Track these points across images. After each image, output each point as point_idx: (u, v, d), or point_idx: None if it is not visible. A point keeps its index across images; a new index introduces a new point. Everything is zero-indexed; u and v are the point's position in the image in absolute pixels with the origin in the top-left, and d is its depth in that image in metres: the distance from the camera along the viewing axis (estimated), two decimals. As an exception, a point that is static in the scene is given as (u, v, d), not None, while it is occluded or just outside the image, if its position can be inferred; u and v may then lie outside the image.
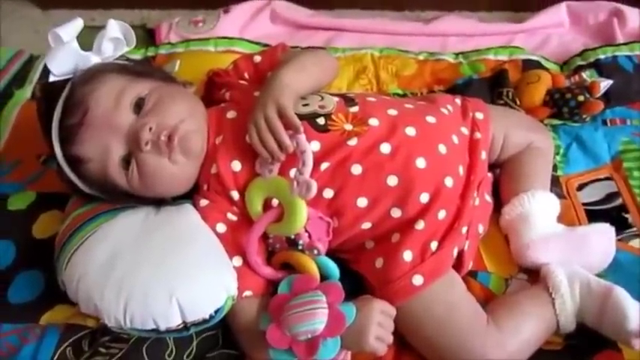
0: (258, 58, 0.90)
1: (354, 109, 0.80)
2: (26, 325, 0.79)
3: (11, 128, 1.05)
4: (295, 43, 1.14)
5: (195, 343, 0.77)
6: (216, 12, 1.28)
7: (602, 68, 1.07)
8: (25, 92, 1.10)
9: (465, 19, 1.28)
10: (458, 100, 0.89)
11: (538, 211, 0.82)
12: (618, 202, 0.89)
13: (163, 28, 1.26)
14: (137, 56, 1.16)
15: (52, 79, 0.77)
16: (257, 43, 1.17)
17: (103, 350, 0.76)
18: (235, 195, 0.78)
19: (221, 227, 0.76)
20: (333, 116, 0.79)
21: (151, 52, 1.18)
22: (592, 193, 0.91)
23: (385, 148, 0.76)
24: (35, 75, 1.13)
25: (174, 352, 0.76)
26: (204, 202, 0.78)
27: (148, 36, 1.28)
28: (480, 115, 0.87)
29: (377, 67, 1.13)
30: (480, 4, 1.36)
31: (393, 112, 0.80)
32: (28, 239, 0.88)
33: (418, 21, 1.29)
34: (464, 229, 0.78)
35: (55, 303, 0.81)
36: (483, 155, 0.84)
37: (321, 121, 0.78)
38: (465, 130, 0.84)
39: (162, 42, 1.23)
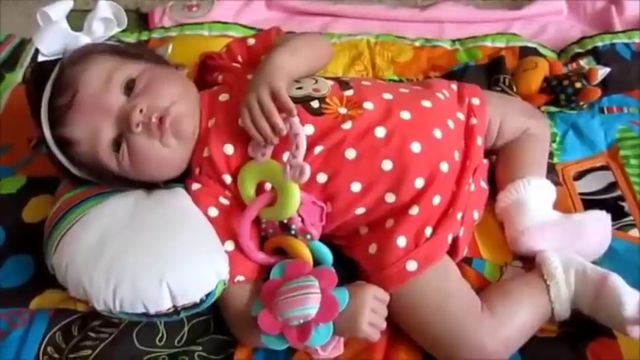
0: (251, 41, 0.88)
1: (349, 92, 0.79)
2: (15, 310, 0.78)
3: (2, 112, 1.04)
4: (291, 28, 1.13)
5: (186, 328, 0.76)
6: (211, -4, 1.27)
7: (599, 56, 1.06)
8: (16, 76, 1.10)
9: (462, 6, 1.27)
10: (454, 86, 0.88)
11: (534, 197, 0.82)
12: (618, 192, 0.89)
13: (157, 13, 1.25)
14: (130, 40, 1.15)
15: (40, 58, 0.75)
16: (252, 28, 1.16)
17: (92, 335, 0.75)
18: (228, 179, 0.77)
19: (213, 211, 0.76)
20: (327, 100, 0.78)
21: (144, 37, 1.17)
22: (592, 183, 0.91)
23: (380, 132, 0.75)
24: (26, 59, 1.13)
25: (165, 337, 0.76)
26: (196, 186, 0.77)
27: (141, 20, 1.27)
28: (476, 101, 0.86)
29: (373, 53, 1.12)
30: (478, -9, 1.35)
31: (388, 96, 0.79)
32: (17, 224, 0.88)
33: (415, 7, 1.28)
34: (459, 215, 0.77)
35: (45, 287, 0.80)
36: (479, 141, 0.83)
37: (315, 104, 0.77)
38: (460, 116, 0.84)
39: (156, 26, 1.21)
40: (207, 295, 0.71)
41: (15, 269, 0.83)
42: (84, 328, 0.76)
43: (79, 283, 0.70)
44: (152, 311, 0.70)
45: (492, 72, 1.03)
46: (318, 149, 0.75)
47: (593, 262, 0.77)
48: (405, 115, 0.77)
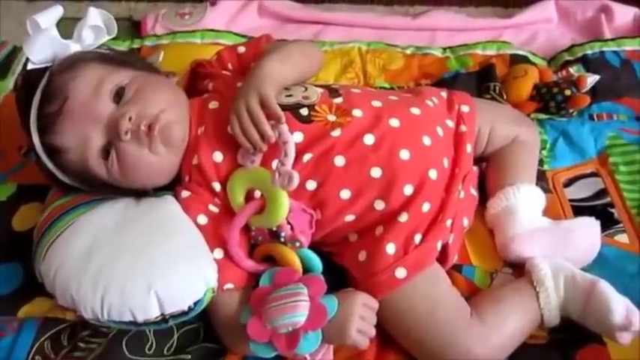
0: (242, 49, 0.89)
1: (338, 100, 0.80)
2: (3, 318, 0.78)
3: (-7, 119, 1.04)
4: (283, 36, 1.14)
5: (175, 336, 0.76)
6: (203, 4, 1.27)
7: (589, 63, 1.07)
8: (8, 83, 1.10)
9: (454, 14, 1.28)
10: (443, 93, 0.88)
11: (523, 204, 0.82)
12: (607, 199, 0.89)
13: (149, 20, 1.25)
14: (122, 48, 1.15)
15: (30, 66, 0.75)
16: (244, 36, 1.17)
17: (82, 345, 0.75)
18: (217, 186, 0.77)
19: (202, 219, 0.75)
20: (316, 107, 0.78)
21: (136, 44, 1.17)
22: (582, 190, 0.91)
23: (369, 139, 0.76)
24: (18, 66, 1.13)
25: (154, 346, 0.75)
26: (185, 194, 0.77)
27: (134, 28, 1.28)
28: (465, 108, 0.86)
29: (364, 60, 1.13)
30: (469, -1, 1.36)
31: (377, 103, 0.80)
32: (7, 231, 0.87)
33: (406, 16, 1.29)
34: (448, 223, 0.77)
35: (33, 296, 0.80)
36: (469, 148, 0.83)
37: (304, 111, 0.77)
38: (450, 123, 0.84)
39: (148, 34, 1.22)
40: (196, 303, 0.71)
41: (4, 277, 0.82)
42: (73, 337, 0.76)
43: (67, 291, 0.70)
44: (140, 319, 0.69)
45: (483, 79, 1.04)
46: (307, 157, 0.75)
47: (583, 269, 0.78)
48: (394, 122, 0.77)
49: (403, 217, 0.74)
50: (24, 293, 0.80)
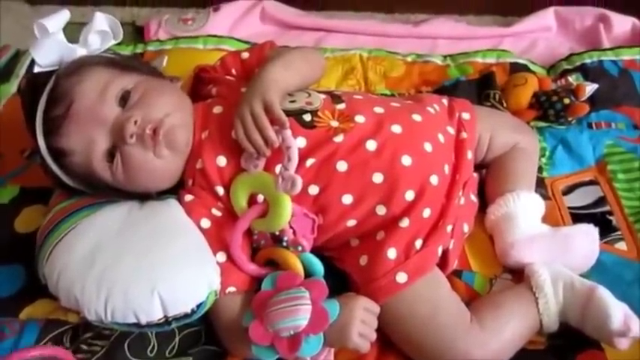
0: (245, 55, 0.90)
1: (341, 106, 0.80)
2: (5, 320, 0.78)
3: (-4, 123, 1.04)
4: (284, 42, 1.15)
5: (177, 338, 0.76)
6: (206, 10, 1.28)
7: (587, 72, 1.08)
8: (11, 86, 1.10)
9: (454, 22, 1.29)
10: (444, 100, 0.89)
11: (523, 211, 0.83)
12: (606, 207, 0.90)
13: (152, 26, 1.26)
14: (126, 53, 1.16)
15: (36, 69, 0.76)
16: (246, 42, 1.18)
17: (85, 347, 0.75)
18: (220, 190, 0.77)
19: (205, 222, 0.76)
20: (319, 113, 0.79)
21: (139, 49, 1.18)
22: (581, 198, 0.92)
23: (371, 145, 0.76)
24: (21, 69, 1.13)
25: (156, 348, 0.75)
26: (188, 197, 0.78)
27: (137, 33, 1.28)
28: (466, 116, 0.87)
29: (365, 67, 1.14)
30: (469, 8, 1.37)
31: (379, 109, 0.81)
32: (10, 233, 0.88)
33: (407, 23, 1.30)
34: (449, 228, 0.78)
35: (35, 297, 0.80)
36: (469, 155, 0.84)
37: (307, 117, 0.78)
38: (451, 130, 0.85)
39: (151, 39, 1.22)
40: (199, 306, 0.71)
41: (6, 279, 0.83)
42: (75, 339, 0.76)
43: (71, 293, 0.70)
44: (143, 321, 0.70)
45: (483, 87, 1.05)
46: (309, 162, 0.75)
47: (581, 275, 0.78)
48: (396, 128, 0.78)
49: (404, 223, 0.75)
50: (26, 295, 0.81)
